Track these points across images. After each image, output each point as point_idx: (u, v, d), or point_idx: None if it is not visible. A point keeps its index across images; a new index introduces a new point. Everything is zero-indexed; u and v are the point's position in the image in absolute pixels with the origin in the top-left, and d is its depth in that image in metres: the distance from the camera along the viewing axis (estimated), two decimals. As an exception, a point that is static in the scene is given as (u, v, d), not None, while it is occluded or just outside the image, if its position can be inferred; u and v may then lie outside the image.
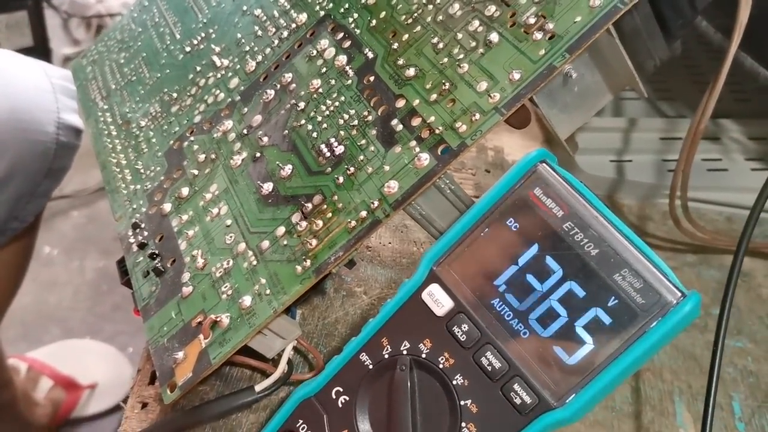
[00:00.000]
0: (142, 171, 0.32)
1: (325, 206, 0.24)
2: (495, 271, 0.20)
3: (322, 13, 0.29)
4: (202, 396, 0.26)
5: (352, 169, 0.24)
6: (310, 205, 0.24)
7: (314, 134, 0.26)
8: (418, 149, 0.22)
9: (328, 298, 0.30)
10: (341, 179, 0.24)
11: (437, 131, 0.22)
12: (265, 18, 0.31)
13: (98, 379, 0.82)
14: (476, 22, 0.23)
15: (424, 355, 0.20)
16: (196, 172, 0.29)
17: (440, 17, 0.24)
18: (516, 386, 0.19)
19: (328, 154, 0.24)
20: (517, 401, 0.19)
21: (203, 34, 0.34)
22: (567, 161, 0.36)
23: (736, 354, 0.29)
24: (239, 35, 0.32)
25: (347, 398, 0.22)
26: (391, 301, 0.22)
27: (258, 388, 0.24)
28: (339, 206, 0.23)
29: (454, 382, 0.20)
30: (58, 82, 0.51)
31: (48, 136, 0.49)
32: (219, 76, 0.32)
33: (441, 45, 0.24)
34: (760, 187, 0.27)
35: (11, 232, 0.52)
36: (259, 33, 0.31)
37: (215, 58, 0.32)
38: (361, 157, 0.24)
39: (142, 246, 0.29)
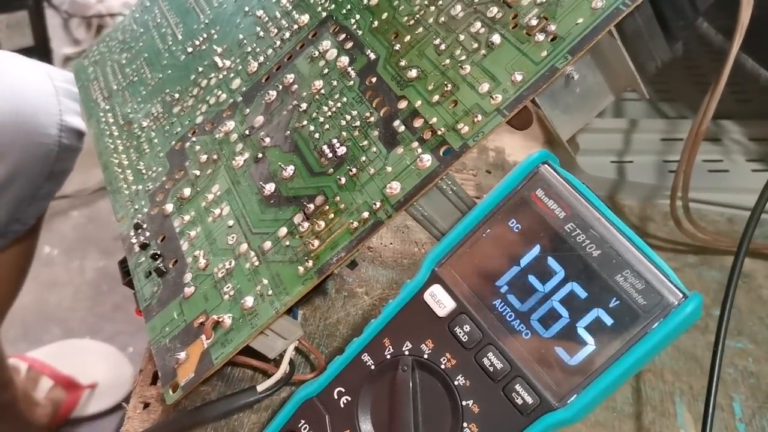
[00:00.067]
0: (143, 171, 0.32)
1: (327, 207, 0.24)
2: (497, 271, 0.20)
3: (324, 14, 0.29)
4: (204, 396, 0.26)
5: (354, 170, 0.24)
6: (312, 206, 0.24)
7: (316, 135, 0.26)
8: (420, 150, 0.22)
9: (329, 298, 0.30)
10: (343, 180, 0.24)
11: (439, 132, 0.22)
12: (267, 19, 0.31)
13: (98, 379, 0.82)
14: (478, 24, 0.23)
15: (425, 356, 0.20)
16: (198, 172, 0.29)
17: (442, 18, 0.24)
18: (518, 387, 0.19)
19: (330, 155, 0.25)
20: (519, 402, 0.19)
21: (205, 35, 0.34)
22: (568, 162, 0.36)
23: (736, 355, 0.29)
24: (241, 36, 0.32)
25: (349, 398, 0.22)
26: (392, 302, 0.22)
27: (260, 388, 0.24)
28: (341, 207, 0.23)
29: (456, 383, 0.20)
30: (61, 85, 0.51)
31: (50, 138, 0.49)
32: (221, 76, 0.32)
33: (443, 46, 0.24)
34: (761, 188, 0.27)
35: (13, 234, 0.52)
36: (261, 34, 0.31)
37: (217, 59, 0.32)
38: (363, 158, 0.24)
39: (144, 246, 0.29)
